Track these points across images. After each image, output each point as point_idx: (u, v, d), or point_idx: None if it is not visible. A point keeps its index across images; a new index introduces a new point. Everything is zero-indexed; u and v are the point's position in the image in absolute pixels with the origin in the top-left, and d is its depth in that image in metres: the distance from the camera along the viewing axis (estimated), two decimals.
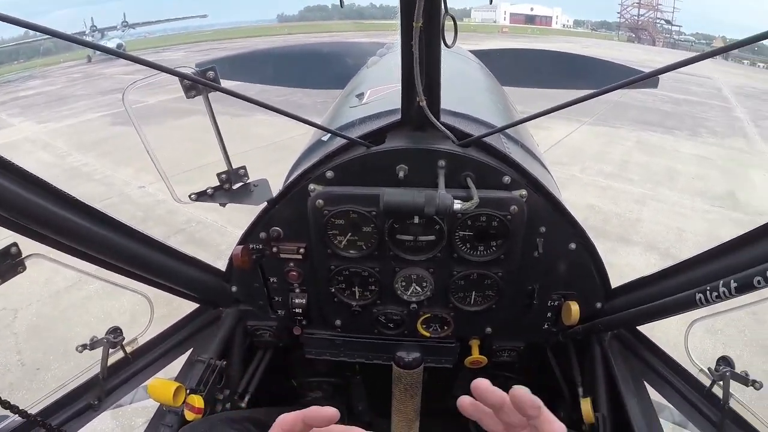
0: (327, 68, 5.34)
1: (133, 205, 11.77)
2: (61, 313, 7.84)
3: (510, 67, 5.34)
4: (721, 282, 1.44)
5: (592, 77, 5.19)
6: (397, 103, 2.03)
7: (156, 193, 12.35)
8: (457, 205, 1.82)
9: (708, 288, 1.49)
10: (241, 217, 9.52)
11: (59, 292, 8.28)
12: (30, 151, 16.63)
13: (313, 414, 1.18)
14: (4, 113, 25.14)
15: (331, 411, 1.18)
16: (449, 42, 1.72)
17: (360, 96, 2.92)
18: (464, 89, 3.15)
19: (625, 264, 8.76)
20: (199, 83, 1.80)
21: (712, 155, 16.23)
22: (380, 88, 2.88)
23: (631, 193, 12.45)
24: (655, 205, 11.82)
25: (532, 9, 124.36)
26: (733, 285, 1.39)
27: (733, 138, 18.86)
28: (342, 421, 2.90)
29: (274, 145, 14.49)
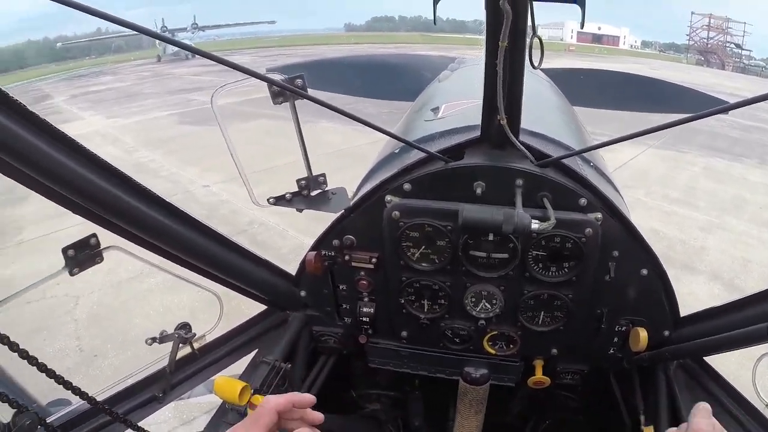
0: (396, 79, 5.36)
1: (198, 204, 12.07)
2: (122, 304, 8.09)
3: (579, 86, 5.27)
4: None
5: (664, 101, 5.08)
6: (474, 119, 2.04)
7: (220, 192, 12.65)
8: (535, 224, 1.81)
9: None
10: (303, 221, 9.70)
11: (127, 282, 8.57)
12: (99, 145, 17.14)
13: (297, 398, 1.47)
14: (76, 106, 26.09)
15: (310, 396, 1.49)
16: (536, 63, 1.72)
17: (435, 110, 2.92)
18: (539, 109, 3.11)
19: (687, 293, 8.47)
20: (287, 90, 1.82)
21: None
22: (455, 104, 2.87)
23: (696, 219, 12.10)
24: (721, 233, 11.45)
25: (599, 28, 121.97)
26: None
27: None
28: None
29: (339, 152, 14.62)
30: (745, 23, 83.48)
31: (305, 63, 6.04)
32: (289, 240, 9.91)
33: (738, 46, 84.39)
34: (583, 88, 5.35)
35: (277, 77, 1.82)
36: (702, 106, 4.56)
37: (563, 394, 3.10)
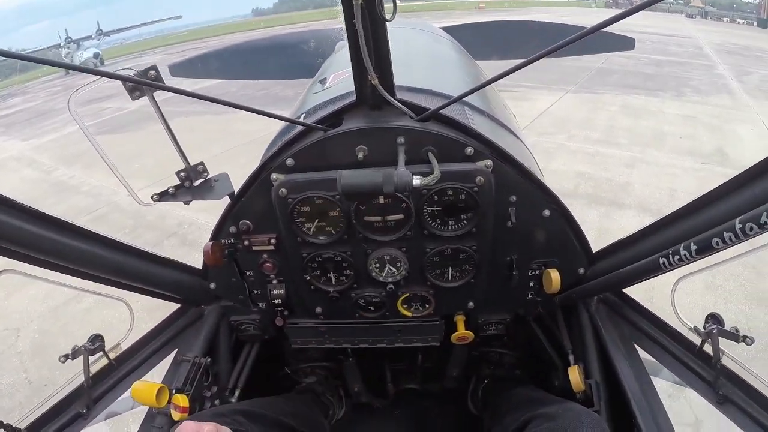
0: (299, 58, 5.29)
1: (123, 214, 11.73)
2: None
3: (482, 41, 5.30)
4: (682, 246, 1.44)
5: (553, 42, 5.15)
6: (353, 85, 2.01)
7: (145, 199, 12.07)
8: (417, 180, 1.78)
9: (670, 252, 1.50)
10: None
11: (35, 302, 8.29)
12: (15, 169, 16.54)
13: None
14: None
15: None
16: (388, 16, 1.68)
17: (323, 81, 2.91)
18: (428, 66, 3.12)
19: (619, 228, 8.75)
20: (141, 84, 1.78)
21: (698, 114, 16.22)
22: (342, 72, 2.84)
23: (619, 157, 12.43)
24: (645, 167, 11.81)
25: None
26: (693, 248, 1.39)
27: (718, 95, 18.84)
28: (340, 402, 2.91)
29: (256, 141, 14.34)
30: None
31: (207, 54, 5.88)
32: None
33: None
34: (485, 41, 5.37)
35: (129, 73, 1.76)
36: (602, 42, 4.67)
37: (495, 351, 3.14)
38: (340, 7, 1.66)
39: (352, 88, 2.11)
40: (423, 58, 3.28)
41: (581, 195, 10.17)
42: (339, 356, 3.15)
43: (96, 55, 49.97)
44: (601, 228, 8.78)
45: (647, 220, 7.54)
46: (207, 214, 10.28)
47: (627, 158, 12.35)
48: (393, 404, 3.36)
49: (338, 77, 2.80)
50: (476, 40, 4.98)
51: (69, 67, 1.61)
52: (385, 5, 1.64)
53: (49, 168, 16.67)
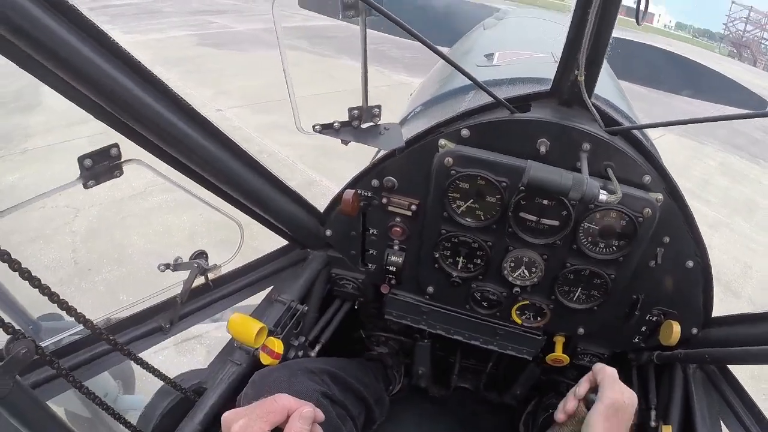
0: (431, 22, 5.17)
1: None
2: (122, 220, 8.04)
3: (629, 60, 5.09)
4: None
5: (705, 88, 4.93)
6: (539, 72, 1.94)
7: (232, 118, 12.33)
8: (603, 196, 1.68)
9: None
10: (312, 155, 9.55)
11: (123, 199, 8.50)
12: None
13: (307, 411, 1.38)
14: (93, 20, 25.77)
15: (320, 414, 1.45)
16: (639, 19, 1.58)
17: (489, 56, 2.75)
18: (603, 78, 2.97)
19: None
20: (363, 1, 1.64)
21: None
22: (511, 53, 2.71)
23: (705, 215, 11.88)
24: (728, 233, 11.30)
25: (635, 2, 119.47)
26: None
27: None
28: (399, 381, 2.87)
29: (354, 92, 14.38)
30: None
31: None
32: (296, 173, 9.70)
33: None
34: (624, 59, 5.17)
35: None
36: (740, 99, 4.42)
37: (566, 383, 3.02)
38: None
39: (537, 74, 2.06)
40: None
41: None
42: (416, 335, 3.07)
43: None
44: None
45: (714, 289, 7.25)
46: (289, 149, 10.34)
47: (712, 219, 11.83)
48: (448, 397, 3.29)
49: (509, 57, 2.67)
50: (619, 57, 4.79)
51: None
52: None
53: (147, 65, 17.07)
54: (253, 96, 13.13)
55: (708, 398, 2.19)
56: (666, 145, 16.58)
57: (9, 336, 1.37)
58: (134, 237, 7.65)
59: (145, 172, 1.83)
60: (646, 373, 2.47)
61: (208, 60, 17.51)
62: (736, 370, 2.22)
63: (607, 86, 2.79)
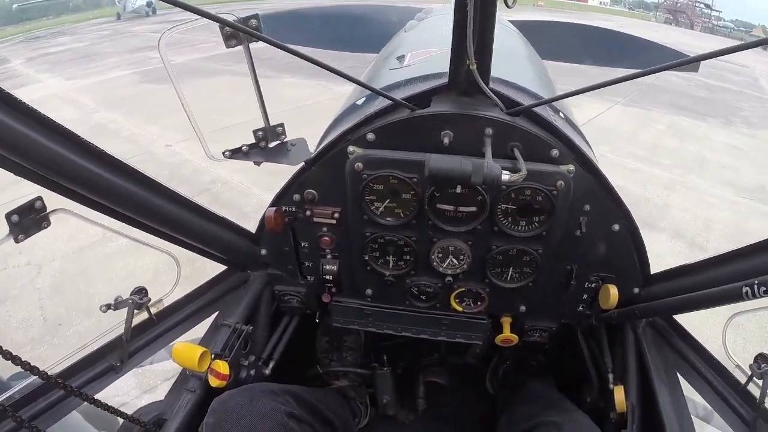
0: (359, 30, 5.26)
1: (159, 164, 11.78)
2: (83, 270, 7.96)
3: (546, 39, 5.20)
4: None
5: (632, 56, 5.05)
6: (441, 67, 1.95)
7: (182, 152, 12.38)
8: (506, 176, 1.72)
9: (756, 282, 1.42)
10: (266, 178, 9.56)
11: (82, 248, 8.40)
12: (58, 107, 16.61)
13: None
14: (33, 69, 25.34)
15: None
16: (510, 2, 1.63)
17: (401, 58, 2.81)
18: (507, 57, 3.01)
19: (649, 251, 8.50)
20: (241, 31, 1.68)
21: (744, 146, 15.79)
22: (422, 52, 2.77)
23: (660, 177, 12.22)
24: (684, 192, 11.59)
25: None
26: None
27: None
28: (364, 413, 2.92)
29: (300, 109, 14.37)
30: None
31: (266, 15, 5.84)
32: (252, 198, 9.78)
33: (707, 6, 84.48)
34: (550, 40, 5.27)
35: (229, 18, 1.68)
36: (668, 60, 4.53)
37: (531, 355, 3.10)
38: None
39: (438, 69, 2.06)
40: (504, 49, 3.14)
41: None
42: (373, 364, 3.12)
43: (149, 3, 50.52)
44: None
45: (678, 247, 7.40)
46: (241, 174, 10.42)
47: (667, 180, 12.14)
48: (417, 422, 3.31)
49: (419, 56, 2.73)
50: (543, 38, 4.88)
51: (177, 4, 1.45)
52: None
53: (91, 110, 16.86)
54: (200, 127, 12.72)
55: (660, 353, 2.26)
56: (613, 116, 16.97)
57: None
58: (99, 285, 7.61)
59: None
60: (599, 340, 2.54)
61: (151, 96, 17.35)
62: (686, 321, 2.28)
63: (518, 69, 2.86)
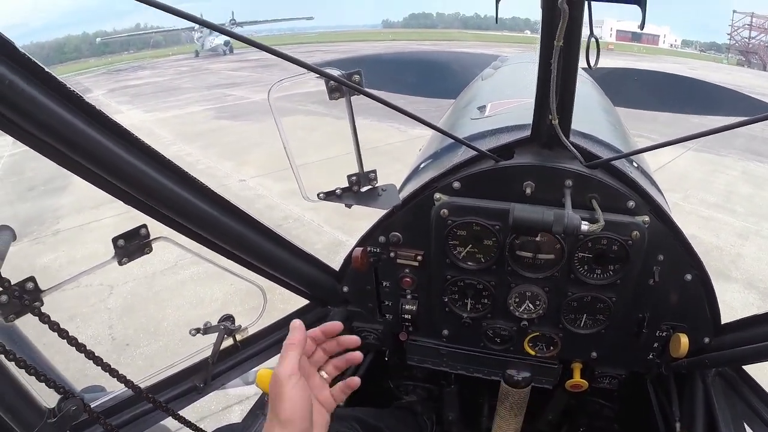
0: (436, 77, 5.39)
1: (233, 198, 11.76)
2: (155, 294, 8.34)
3: (620, 86, 5.22)
4: None
5: (704, 102, 5.02)
6: (523, 118, 2.07)
7: (256, 187, 12.74)
8: (584, 226, 1.80)
9: None
10: (336, 217, 9.76)
11: (154, 273, 8.82)
12: None
13: (327, 327, 1.62)
14: (114, 100, 26.55)
15: (338, 324, 1.64)
16: (592, 63, 1.72)
17: (482, 108, 2.93)
18: (585, 109, 3.06)
19: (721, 300, 8.19)
20: (345, 86, 1.83)
21: None
22: (502, 102, 2.87)
23: (733, 225, 11.81)
24: (759, 241, 11.12)
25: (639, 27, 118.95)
26: None
27: None
28: (430, 428, 2.93)
29: (373, 150, 14.63)
30: None
31: (345, 60, 6.05)
32: (323, 236, 9.92)
33: None
34: (624, 88, 5.30)
35: (335, 72, 1.83)
36: (744, 108, 4.48)
37: (597, 401, 3.09)
38: (538, 42, 1.71)
39: (520, 121, 2.18)
40: (581, 100, 3.19)
41: None
42: (442, 381, 3.16)
43: (226, 43, 52.37)
44: None
45: (751, 297, 7.12)
46: (313, 213, 10.64)
47: (741, 228, 11.70)
48: None
49: (499, 107, 2.83)
50: (615, 84, 4.92)
51: (283, 56, 1.59)
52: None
53: (168, 142, 17.56)
54: (273, 164, 13.39)
55: (729, 403, 2.24)
56: (684, 162, 16.48)
57: (60, 395, 1.55)
58: (168, 310, 7.89)
59: (172, 248, 2.03)
60: (668, 389, 2.53)
61: (226, 132, 18.13)
62: (757, 374, 2.25)
63: (595, 120, 2.94)
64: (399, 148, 14.08)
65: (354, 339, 1.66)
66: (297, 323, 1.53)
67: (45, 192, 12.94)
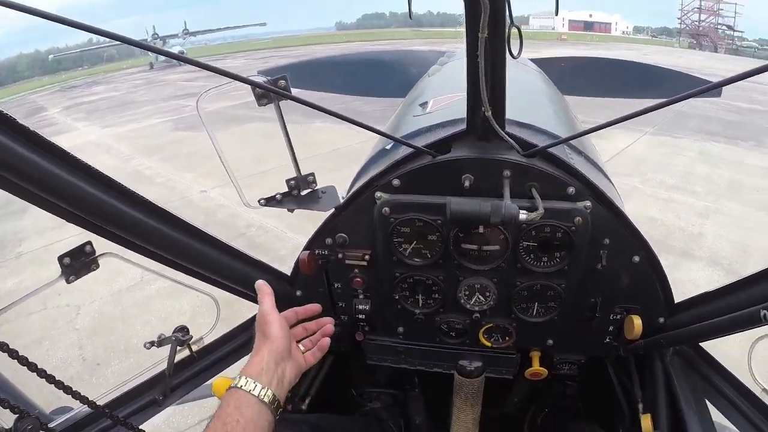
0: (388, 77, 5.38)
1: (195, 209, 12.12)
2: (121, 312, 8.23)
3: (571, 75, 5.29)
4: None
5: (655, 86, 5.09)
6: (461, 112, 2.04)
7: (217, 197, 12.72)
8: (523, 215, 1.81)
9: None
10: (298, 222, 9.74)
11: (120, 290, 8.70)
12: (94, 154, 17.22)
13: (303, 310, 2.12)
14: (70, 117, 26.19)
15: (317, 306, 2.13)
16: (515, 53, 1.72)
17: (423, 105, 2.93)
18: (527, 99, 3.13)
19: (687, 280, 8.48)
20: (271, 92, 1.84)
21: None
22: (443, 98, 2.88)
23: (693, 206, 12.08)
24: (719, 218, 11.42)
25: (590, 15, 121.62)
26: None
27: None
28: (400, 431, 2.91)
29: (332, 153, 14.72)
30: (736, 4, 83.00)
31: (296, 64, 6.03)
32: (286, 241, 9.95)
33: (730, 27, 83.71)
34: (574, 76, 5.37)
35: (260, 79, 1.83)
36: (692, 87, 4.56)
37: (562, 388, 3.13)
38: (463, 36, 1.70)
39: (458, 115, 2.16)
40: (521, 90, 3.28)
41: (651, 242, 9.79)
42: (405, 386, 3.17)
43: (181, 53, 51.79)
44: (670, 278, 8.52)
45: (716, 275, 7.31)
46: (275, 219, 10.63)
47: (701, 207, 11.99)
48: None
49: (440, 102, 2.84)
50: (565, 74, 4.97)
51: (209, 68, 1.58)
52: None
53: (127, 157, 17.39)
54: (235, 175, 12.98)
55: (689, 381, 2.27)
56: (641, 146, 16.87)
57: (16, 416, 1.52)
58: (137, 326, 7.82)
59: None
60: (628, 371, 2.57)
61: (185, 144, 17.95)
62: (716, 351, 2.29)
63: (536, 110, 2.95)
64: (356, 149, 14.09)
65: (328, 319, 2.18)
66: (261, 283, 2.06)
67: (4, 216, 12.67)
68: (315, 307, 2.18)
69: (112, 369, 6.88)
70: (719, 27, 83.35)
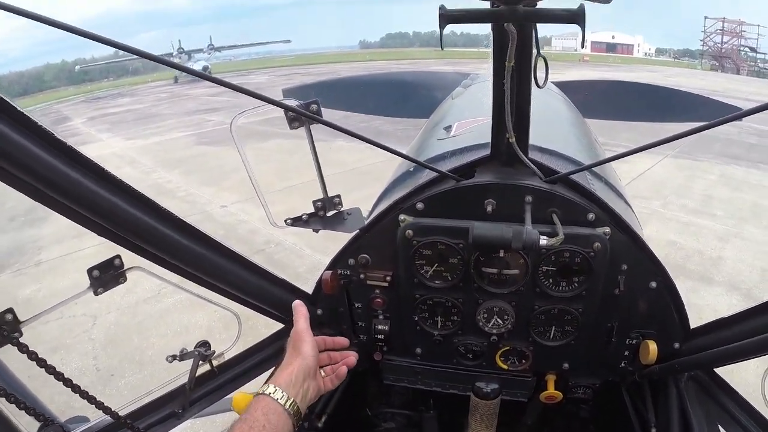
0: (410, 97, 5.42)
1: (215, 224, 12.17)
2: (139, 324, 8.30)
3: (593, 99, 5.29)
4: None
5: (678, 111, 5.07)
6: (484, 137, 2.09)
7: (237, 213, 12.78)
8: (543, 240, 1.84)
9: None
10: (318, 241, 9.73)
11: (137, 302, 8.79)
12: (117, 166, 17.33)
13: (331, 340, 2.27)
14: (94, 128, 26.48)
15: (345, 340, 2.30)
16: (540, 81, 1.76)
17: (448, 128, 2.98)
18: (549, 124, 3.16)
19: (705, 305, 8.39)
20: (303, 116, 1.90)
21: None
22: (467, 122, 2.92)
23: (713, 229, 11.93)
24: (739, 243, 11.25)
25: (613, 37, 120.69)
26: None
27: None
28: None
29: (354, 171, 14.75)
30: (759, 26, 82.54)
31: (321, 83, 6.11)
32: (305, 259, 9.98)
33: (752, 49, 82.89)
34: (597, 100, 5.38)
35: (292, 103, 1.89)
36: (715, 113, 4.55)
37: (576, 411, 3.13)
38: (489, 61, 1.75)
39: (482, 140, 2.21)
40: (544, 114, 3.32)
41: (670, 266, 9.50)
42: (420, 407, 3.17)
43: (205, 68, 52.13)
44: (687, 303, 8.41)
45: (735, 300, 7.19)
46: (295, 236, 10.67)
47: (721, 231, 11.84)
48: None
49: (464, 126, 2.88)
50: (587, 97, 4.98)
51: (240, 90, 1.62)
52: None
53: (149, 169, 17.56)
54: (254, 189, 13.00)
55: (703, 407, 2.28)
56: (662, 169, 16.70)
57: (40, 423, 1.57)
58: (152, 339, 7.87)
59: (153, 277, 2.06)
60: (642, 395, 2.56)
61: (206, 158, 18.14)
62: (732, 378, 2.29)
63: (559, 135, 2.99)
64: (379, 168, 13.93)
65: (352, 353, 2.25)
66: (297, 303, 2.18)
67: (25, 223, 12.87)
68: (343, 341, 2.30)
69: (125, 380, 6.93)
70: (742, 48, 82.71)
